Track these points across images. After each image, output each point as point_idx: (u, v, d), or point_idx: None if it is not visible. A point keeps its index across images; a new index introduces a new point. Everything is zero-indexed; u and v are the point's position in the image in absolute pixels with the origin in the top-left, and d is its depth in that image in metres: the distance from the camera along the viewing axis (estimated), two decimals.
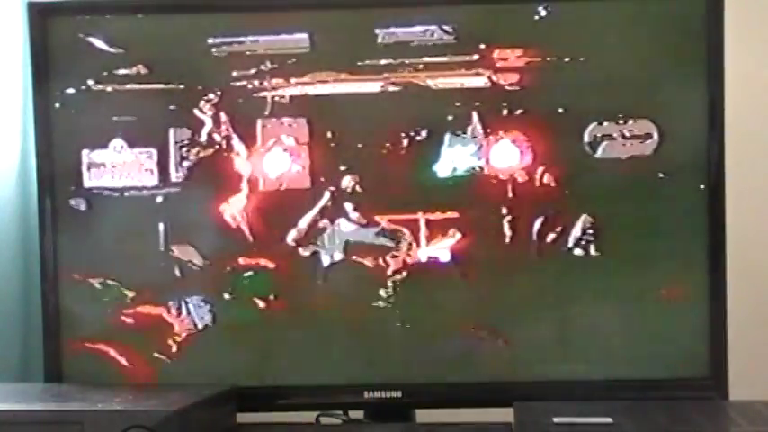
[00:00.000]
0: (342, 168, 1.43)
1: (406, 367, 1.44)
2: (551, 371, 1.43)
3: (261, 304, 1.44)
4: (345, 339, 1.45)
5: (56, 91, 1.45)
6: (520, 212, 1.41)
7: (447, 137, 1.42)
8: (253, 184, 1.44)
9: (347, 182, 1.43)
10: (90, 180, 1.45)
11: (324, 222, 1.43)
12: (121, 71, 1.44)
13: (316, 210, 1.43)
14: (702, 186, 1.40)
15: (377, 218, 1.43)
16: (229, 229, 1.44)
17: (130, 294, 1.45)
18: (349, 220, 1.43)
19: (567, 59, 1.40)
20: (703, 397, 1.39)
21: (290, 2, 1.45)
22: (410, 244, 1.42)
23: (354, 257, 1.44)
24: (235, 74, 1.43)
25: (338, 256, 1.44)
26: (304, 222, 1.44)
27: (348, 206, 1.43)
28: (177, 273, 1.45)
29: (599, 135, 1.40)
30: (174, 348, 1.45)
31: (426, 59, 1.41)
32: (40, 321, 1.47)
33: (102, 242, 1.46)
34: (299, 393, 1.45)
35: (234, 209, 1.44)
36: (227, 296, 1.45)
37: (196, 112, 1.44)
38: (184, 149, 1.44)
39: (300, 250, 1.44)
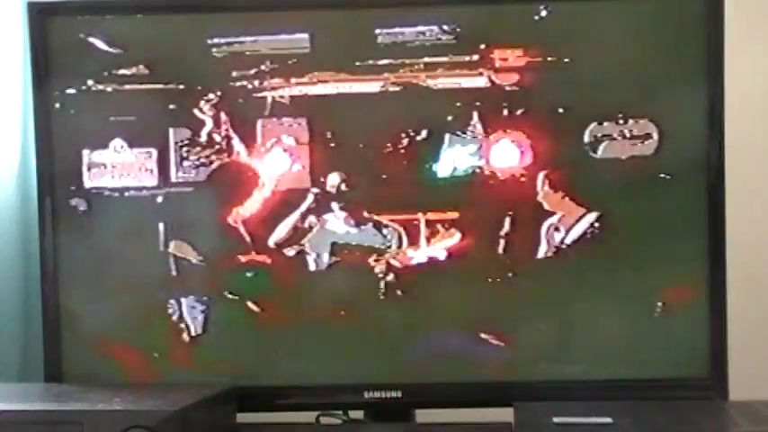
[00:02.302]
0: (343, 168, 1.43)
1: (406, 367, 1.44)
2: (551, 371, 1.43)
3: (261, 304, 1.44)
4: (345, 339, 1.44)
5: (56, 91, 1.45)
6: (520, 212, 1.41)
7: (447, 137, 1.42)
8: (252, 184, 1.44)
9: (348, 182, 1.43)
10: (90, 180, 1.45)
11: (325, 222, 1.43)
12: (121, 71, 1.44)
13: (316, 210, 1.43)
14: (702, 186, 1.40)
15: (377, 218, 1.43)
16: (229, 229, 1.44)
17: (131, 294, 1.45)
18: (350, 220, 1.43)
19: (566, 59, 1.40)
20: (703, 397, 1.39)
21: (291, 2, 1.45)
22: (410, 244, 1.43)
23: (355, 257, 1.43)
24: (235, 74, 1.43)
25: (339, 256, 1.44)
26: (305, 222, 1.44)
27: (349, 206, 1.43)
28: (177, 273, 1.45)
29: (599, 135, 1.40)
30: (175, 348, 1.45)
31: (426, 59, 1.41)
32: (40, 321, 1.46)
33: (102, 242, 1.45)
34: (299, 393, 1.45)
35: (234, 209, 1.44)
36: (227, 296, 1.45)
37: (196, 112, 1.44)
38: (184, 149, 1.44)
39: (301, 250, 1.44)
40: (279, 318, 1.44)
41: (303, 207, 1.44)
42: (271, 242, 1.44)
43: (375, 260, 1.43)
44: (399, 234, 1.43)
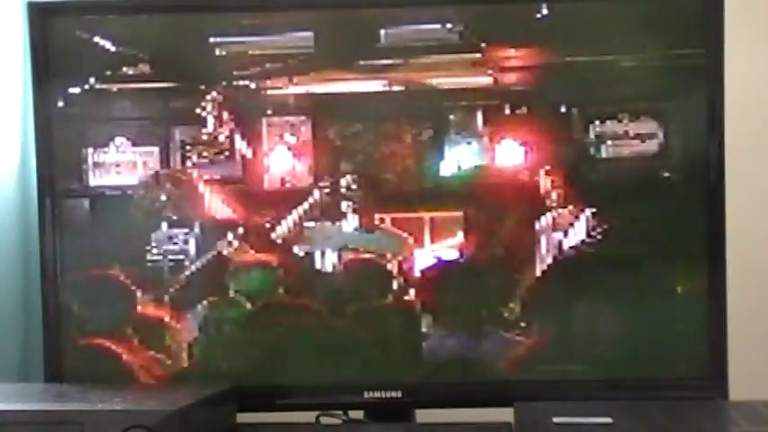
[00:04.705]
0: (345, 167, 1.43)
1: (406, 367, 1.44)
2: (551, 371, 1.43)
3: (262, 303, 1.44)
4: (345, 339, 1.44)
5: (57, 91, 1.45)
6: (523, 211, 1.41)
7: (451, 136, 1.42)
8: (255, 182, 1.44)
9: (350, 181, 1.43)
10: (93, 179, 1.45)
11: (326, 221, 1.44)
12: (124, 70, 1.44)
13: (318, 209, 1.44)
14: (703, 186, 1.40)
15: (380, 217, 1.43)
16: (231, 228, 1.44)
17: (131, 294, 1.45)
18: (352, 219, 1.43)
19: (569, 58, 1.41)
20: (703, 397, 1.39)
21: (294, 1, 1.45)
22: (413, 243, 1.43)
23: (355, 257, 1.43)
24: (238, 72, 1.43)
25: (340, 255, 1.44)
26: (306, 221, 1.44)
27: (351, 205, 1.43)
28: (178, 272, 1.45)
29: (602, 134, 1.41)
30: (175, 348, 1.45)
31: (430, 58, 1.42)
32: (40, 321, 1.46)
33: (103, 241, 1.45)
34: (299, 393, 1.45)
35: (236, 207, 1.44)
36: (228, 295, 1.44)
37: (199, 110, 1.44)
38: (187, 148, 1.44)
39: (302, 250, 1.44)
40: (279, 317, 1.44)
41: (306, 206, 1.44)
42: (273, 242, 1.44)
43: (376, 259, 1.43)
44: (402, 233, 1.43)
